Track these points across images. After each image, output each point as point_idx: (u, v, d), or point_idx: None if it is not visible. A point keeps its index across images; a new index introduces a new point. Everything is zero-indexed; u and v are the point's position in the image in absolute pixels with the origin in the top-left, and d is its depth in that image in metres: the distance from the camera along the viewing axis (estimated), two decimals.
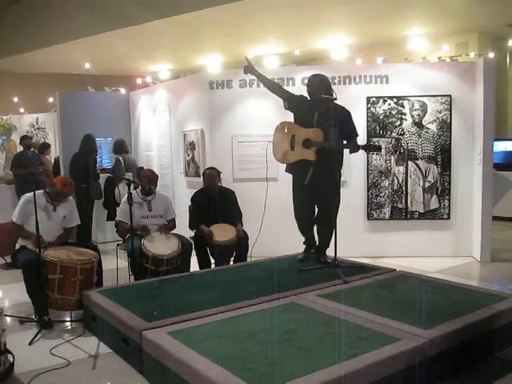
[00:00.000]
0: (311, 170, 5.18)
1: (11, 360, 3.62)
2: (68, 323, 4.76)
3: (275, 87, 5.56)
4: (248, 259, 6.00)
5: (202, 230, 5.83)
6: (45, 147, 11.05)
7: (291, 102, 5.42)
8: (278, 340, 3.37)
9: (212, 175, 6.15)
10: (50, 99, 12.62)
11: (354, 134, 5.32)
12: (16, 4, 10.77)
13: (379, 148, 5.26)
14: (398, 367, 3.06)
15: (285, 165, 5.48)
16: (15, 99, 13.97)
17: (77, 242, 5.97)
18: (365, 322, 3.64)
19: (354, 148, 5.29)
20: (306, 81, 5.45)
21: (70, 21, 9.68)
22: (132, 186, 5.27)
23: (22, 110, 14.22)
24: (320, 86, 5.21)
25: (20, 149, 11.01)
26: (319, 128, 5.12)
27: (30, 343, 4.25)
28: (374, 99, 7.08)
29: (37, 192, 4.75)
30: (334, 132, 5.04)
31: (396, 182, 7.12)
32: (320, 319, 3.77)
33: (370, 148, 5.20)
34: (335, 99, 5.06)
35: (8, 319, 4.87)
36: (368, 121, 7.08)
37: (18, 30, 10.88)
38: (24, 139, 10.38)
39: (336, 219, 5.15)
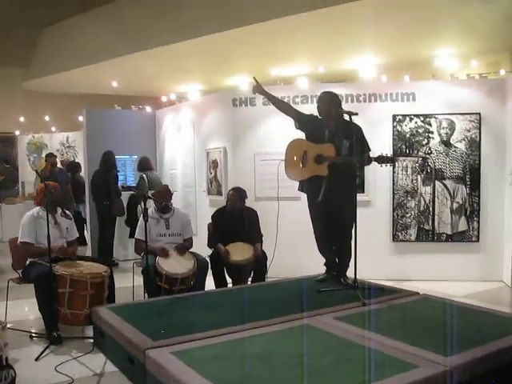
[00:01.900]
0: (324, 186, 5.03)
1: (13, 375, 3.52)
2: (78, 340, 4.66)
3: (284, 106, 5.57)
4: (267, 280, 5.83)
5: (219, 249, 5.70)
6: (73, 166, 11.12)
7: (301, 120, 5.36)
8: (287, 364, 3.20)
9: (233, 198, 5.99)
10: (80, 118, 12.74)
11: (366, 148, 5.19)
12: (48, 27, 10.97)
13: (392, 159, 5.07)
14: None
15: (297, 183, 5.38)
16: (46, 118, 14.18)
17: (94, 258, 5.93)
18: (381, 347, 3.43)
19: (367, 161, 5.14)
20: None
21: (99, 43, 9.79)
22: (148, 202, 5.19)
23: (53, 129, 14.44)
24: (330, 102, 5.17)
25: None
26: (331, 144, 5.02)
27: (36, 359, 4.17)
28: (401, 117, 6.90)
29: (34, 209, 4.98)
30: (346, 147, 4.97)
31: (423, 202, 6.89)
32: (334, 343, 3.58)
33: (382, 160, 5.02)
34: (356, 114, 4.92)
35: (18, 334, 4.80)
36: (394, 139, 6.90)
37: (49, 53, 11.07)
38: (49, 157, 10.47)
39: (351, 237, 4.96)
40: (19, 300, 5.59)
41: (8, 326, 4.79)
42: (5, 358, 3.46)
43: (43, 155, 14.25)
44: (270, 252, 5.86)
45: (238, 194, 6.02)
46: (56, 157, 10.97)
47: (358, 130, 5.14)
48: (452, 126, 6.79)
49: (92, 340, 4.54)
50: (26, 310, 5.52)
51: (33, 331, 4.91)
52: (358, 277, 4.94)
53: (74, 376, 3.80)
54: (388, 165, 5.07)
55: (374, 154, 6.71)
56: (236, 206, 5.98)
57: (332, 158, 4.97)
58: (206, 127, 8.17)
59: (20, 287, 5.15)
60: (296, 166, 5.21)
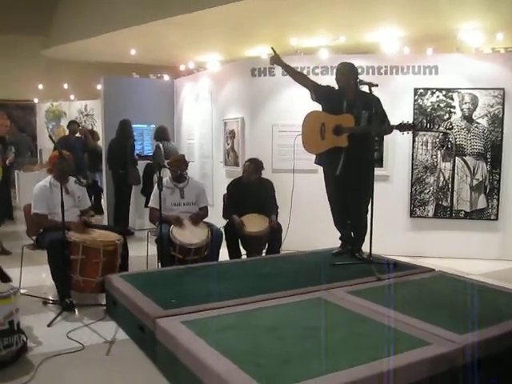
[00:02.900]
0: (342, 158, 4.94)
1: (24, 340, 3.54)
2: (90, 307, 4.68)
3: (302, 78, 5.47)
4: (281, 252, 5.80)
5: (233, 219, 5.66)
6: (91, 134, 11.09)
7: (318, 92, 5.24)
8: (297, 336, 3.17)
9: (249, 170, 5.93)
10: (99, 86, 12.72)
11: (384, 118, 5.08)
12: None
13: (413, 126, 4.96)
14: (424, 374, 2.79)
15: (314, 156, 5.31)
16: (65, 86, 14.15)
17: (108, 226, 5.94)
18: (394, 323, 3.38)
19: (388, 129, 5.05)
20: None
21: (119, 10, 9.68)
22: (163, 171, 5.16)
23: (71, 97, 14.42)
24: (350, 73, 5.07)
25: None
26: (349, 114, 4.95)
27: (48, 325, 4.19)
28: (422, 91, 6.75)
29: (46, 178, 4.98)
30: (365, 118, 4.90)
31: (442, 178, 6.77)
32: (346, 317, 3.54)
33: (403, 127, 4.90)
34: (376, 85, 4.81)
35: (31, 300, 4.84)
36: (415, 113, 6.76)
37: (69, 20, 10.99)
38: (71, 124, 10.44)
39: (368, 212, 4.88)
40: (34, 266, 5.64)
41: (22, 291, 4.88)
42: (16, 323, 3.48)
43: (62, 123, 14.30)
44: (286, 224, 5.82)
45: (255, 165, 5.95)
46: (78, 125, 10.89)
47: (377, 101, 5.03)
48: (475, 101, 6.62)
49: (104, 307, 4.56)
50: (40, 276, 5.54)
51: (46, 297, 4.94)
52: (373, 252, 4.89)
53: (85, 343, 3.82)
54: (409, 132, 4.96)
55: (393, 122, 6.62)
56: (251, 178, 5.92)
57: (351, 129, 4.89)
58: (224, 97, 8.08)
59: (35, 253, 5.18)
60: (314, 139, 5.11)
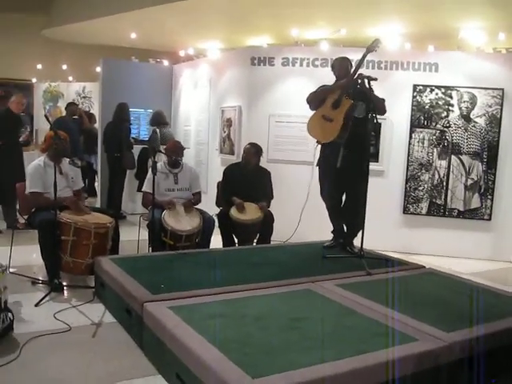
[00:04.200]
0: (342, 151, 4.92)
1: (11, 318, 3.53)
2: (79, 288, 4.67)
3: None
4: (272, 242, 5.80)
5: (233, 200, 5.65)
6: (88, 116, 11.01)
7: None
8: (284, 327, 3.16)
9: (250, 152, 5.93)
10: (98, 69, 12.65)
11: (379, 101, 5.05)
12: None
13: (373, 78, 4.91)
14: (408, 370, 2.78)
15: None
16: (64, 67, 14.06)
17: (100, 209, 5.91)
18: (382, 318, 3.38)
19: (379, 103, 5.00)
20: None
21: None
22: (158, 156, 5.13)
23: (70, 78, 14.32)
24: (350, 67, 5.17)
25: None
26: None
27: (36, 305, 4.18)
28: (421, 87, 6.73)
29: (40, 158, 4.97)
30: (363, 108, 4.89)
31: (437, 176, 6.77)
32: (334, 309, 3.54)
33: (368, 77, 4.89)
34: (376, 79, 4.81)
35: (20, 279, 4.82)
36: (413, 109, 6.75)
37: (71, 1, 10.92)
38: (70, 106, 10.35)
39: (365, 207, 4.85)
40: (25, 246, 5.61)
41: (11, 270, 4.87)
42: (3, 302, 3.45)
43: (59, 104, 14.20)
44: (279, 215, 5.80)
45: (255, 148, 5.96)
46: (77, 106, 10.77)
47: (370, 88, 5.01)
48: (473, 100, 6.60)
49: (93, 290, 4.55)
50: (30, 256, 5.50)
51: (35, 277, 4.92)
52: (365, 247, 4.90)
53: (71, 324, 3.80)
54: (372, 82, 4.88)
55: (392, 122, 6.61)
56: (251, 161, 5.90)
57: (344, 87, 4.97)
58: (223, 85, 8.03)
59: (27, 233, 5.15)
60: (325, 129, 5.08)
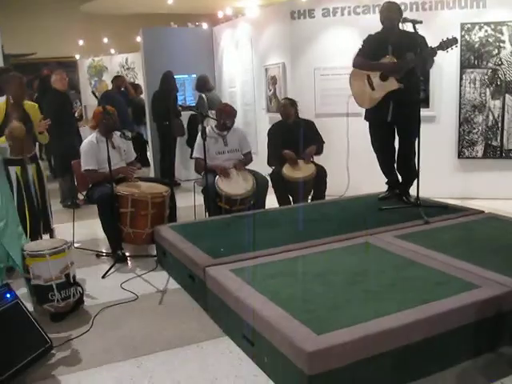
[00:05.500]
0: (391, 105, 4.82)
1: (81, 291, 3.68)
2: (141, 258, 4.83)
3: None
4: (327, 198, 5.78)
5: (285, 154, 5.67)
6: (134, 87, 11.10)
7: (366, 52, 5.04)
8: (345, 282, 3.19)
9: (285, 104, 5.93)
10: (138, 39, 12.68)
11: (431, 52, 4.80)
12: None
13: (454, 39, 4.69)
14: (472, 318, 2.77)
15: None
16: (105, 40, 14.16)
17: (155, 178, 6.02)
18: (442, 266, 3.35)
19: (431, 55, 4.76)
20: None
21: None
22: (206, 121, 5.14)
23: (112, 51, 14.42)
24: (398, 12, 4.94)
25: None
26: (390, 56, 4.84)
27: (103, 276, 4.35)
28: (469, 26, 6.45)
29: (92, 135, 5.07)
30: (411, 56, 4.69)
31: (491, 117, 6.54)
32: (394, 261, 3.53)
33: (444, 45, 4.67)
34: (421, 22, 4.64)
35: (85, 253, 5.01)
36: (462, 50, 6.48)
37: None
38: (115, 79, 10.44)
39: (418, 155, 4.76)
40: (86, 220, 5.80)
41: (75, 245, 5.05)
42: (72, 276, 3.61)
43: (104, 78, 14.37)
44: (333, 170, 5.78)
45: (289, 100, 6.01)
46: (123, 78, 10.83)
47: (423, 39, 4.85)
48: None
49: (155, 258, 4.68)
50: (92, 230, 5.68)
51: (99, 250, 5.10)
52: (421, 195, 4.83)
53: (138, 293, 3.95)
54: (453, 47, 4.69)
55: (441, 65, 6.33)
56: (290, 114, 5.90)
57: (394, 67, 4.77)
58: (264, 43, 7.93)
59: (87, 208, 5.32)
60: (366, 94, 5.02)
